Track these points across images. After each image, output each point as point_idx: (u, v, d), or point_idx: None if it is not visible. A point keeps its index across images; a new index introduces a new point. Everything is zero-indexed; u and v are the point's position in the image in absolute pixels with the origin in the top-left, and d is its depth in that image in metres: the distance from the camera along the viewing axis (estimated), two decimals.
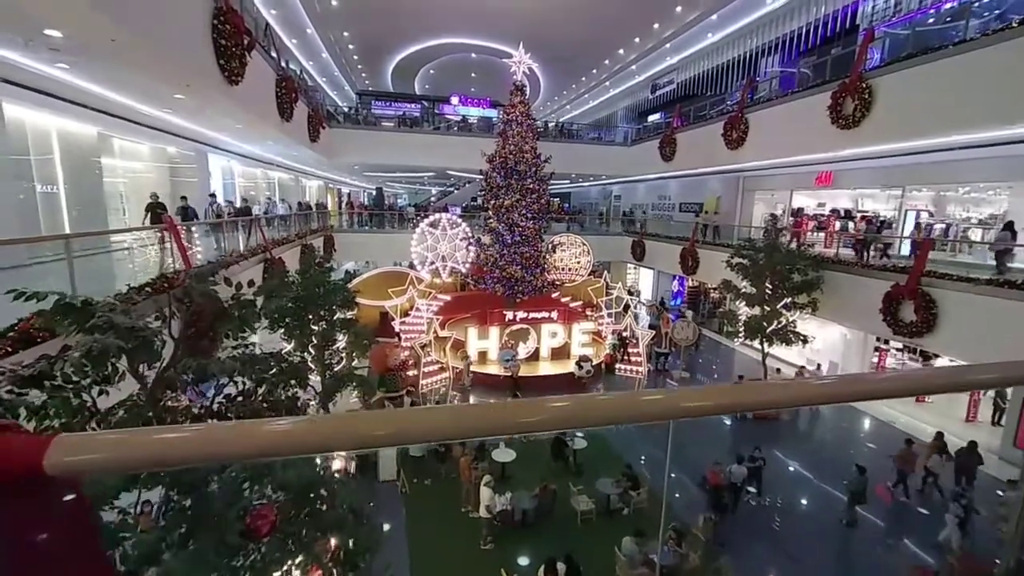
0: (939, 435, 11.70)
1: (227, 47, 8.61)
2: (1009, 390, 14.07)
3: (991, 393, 15.23)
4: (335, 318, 10.27)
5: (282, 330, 9.82)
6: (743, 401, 1.06)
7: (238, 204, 15.28)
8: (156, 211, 10.09)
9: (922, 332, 11.86)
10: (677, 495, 11.52)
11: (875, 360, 18.07)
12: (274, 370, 9.79)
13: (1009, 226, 11.74)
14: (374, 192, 34.43)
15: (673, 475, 12.33)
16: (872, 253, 14.52)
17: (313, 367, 10.03)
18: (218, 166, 18.42)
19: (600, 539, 9.10)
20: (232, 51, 8.76)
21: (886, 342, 17.71)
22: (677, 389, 1.16)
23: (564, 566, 7.50)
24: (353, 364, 10.88)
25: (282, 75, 13.18)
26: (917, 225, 15.53)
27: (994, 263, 11.64)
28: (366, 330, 11.23)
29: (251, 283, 4.29)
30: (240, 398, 3.77)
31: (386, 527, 9.74)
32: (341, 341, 10.59)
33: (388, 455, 11.18)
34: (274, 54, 13.43)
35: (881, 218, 17.79)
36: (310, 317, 9.75)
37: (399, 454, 11.46)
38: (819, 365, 18.38)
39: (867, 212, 19.24)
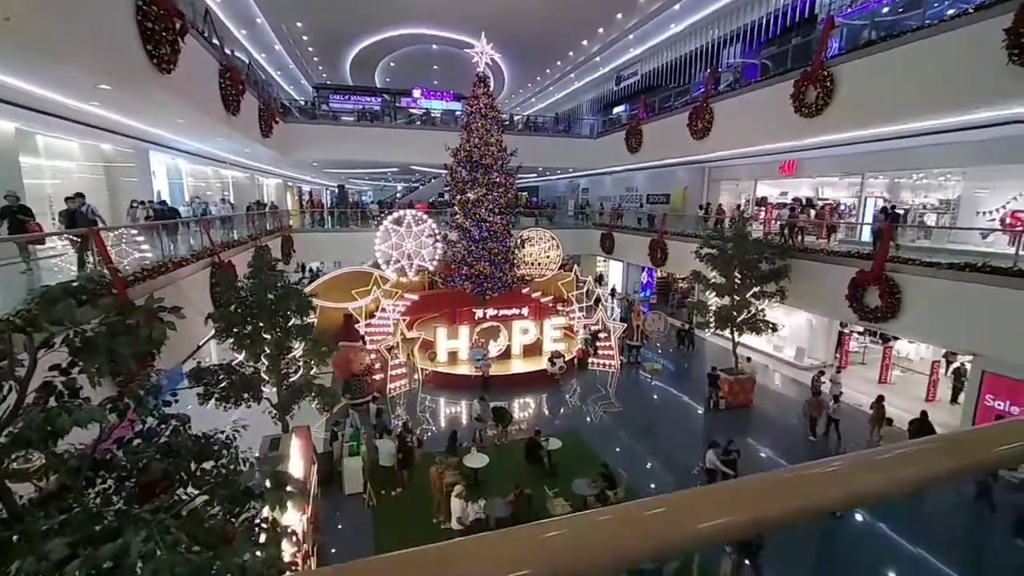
0: (880, 398, 13.20)
1: (155, 31, 7.81)
2: (968, 368, 14.51)
3: (948, 372, 15.73)
4: (290, 325, 9.58)
5: (230, 340, 9.10)
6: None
7: (185, 205, 14.18)
8: (15, 216, 7.29)
9: (887, 317, 12.00)
10: (654, 485, 11.36)
11: (842, 344, 18.46)
12: (223, 383, 9.19)
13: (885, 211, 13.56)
14: (336, 190, 33.31)
15: (649, 464, 12.20)
16: (834, 239, 14.70)
17: (267, 378, 9.34)
18: (162, 165, 17.23)
19: None
20: (161, 36, 7.96)
21: (848, 326, 18.11)
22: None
23: None
24: (312, 372, 10.21)
25: (226, 65, 12.28)
26: (884, 211, 15.80)
27: (953, 247, 11.90)
28: (325, 336, 10.56)
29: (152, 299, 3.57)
30: (139, 441, 3.13)
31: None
32: (298, 349, 9.91)
33: (353, 467, 10.59)
34: (216, 42, 12.48)
35: (833, 203, 18.15)
36: (261, 325, 9.04)
37: (367, 464, 10.89)
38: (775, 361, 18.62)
39: (828, 200, 19.61)
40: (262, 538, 2.65)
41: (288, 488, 2.66)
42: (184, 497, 2.54)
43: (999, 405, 12.38)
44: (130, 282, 7.17)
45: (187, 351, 10.00)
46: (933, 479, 0.90)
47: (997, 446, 0.98)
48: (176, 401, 3.31)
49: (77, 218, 7.35)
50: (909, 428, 11.96)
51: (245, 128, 14.64)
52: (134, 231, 9.31)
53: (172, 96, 9.30)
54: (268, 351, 9.24)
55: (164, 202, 11.62)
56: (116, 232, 8.09)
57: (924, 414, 12.00)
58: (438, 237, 18.85)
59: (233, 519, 2.65)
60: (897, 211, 14.80)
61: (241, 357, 9.47)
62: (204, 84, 11.24)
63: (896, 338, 17.37)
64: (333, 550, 9.10)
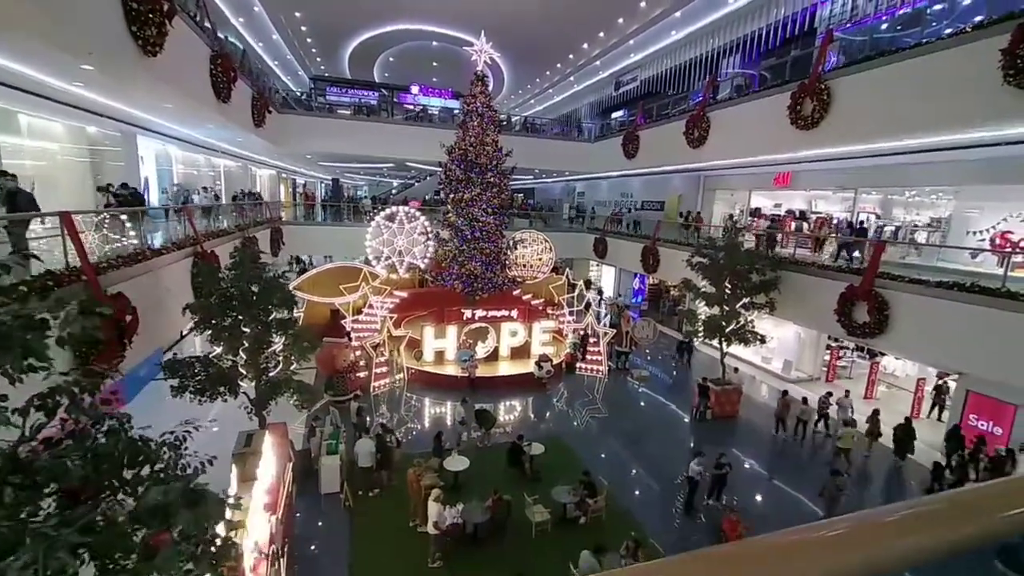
0: (876, 412, 13.48)
1: (140, 12, 7.59)
2: (952, 386, 14.55)
3: (929, 388, 15.75)
4: (271, 319, 9.37)
5: (208, 332, 8.89)
6: None
7: (164, 192, 13.68)
8: None
9: (874, 333, 11.98)
10: (637, 492, 11.25)
11: (827, 358, 18.48)
12: (200, 375, 8.98)
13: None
14: (331, 183, 33.01)
15: (633, 472, 12.09)
16: (839, 256, 14.61)
17: (244, 372, 9.13)
18: (151, 150, 16.91)
19: (555, 552, 8.67)
20: (147, 17, 7.74)
21: (836, 340, 18.13)
22: None
23: None
24: (292, 368, 10.00)
25: (218, 51, 12.04)
26: (850, 225, 16.12)
27: (944, 266, 11.91)
28: (310, 331, 10.35)
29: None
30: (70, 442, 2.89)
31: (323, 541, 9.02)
32: (278, 343, 9.70)
33: (331, 465, 10.38)
34: (209, 27, 12.23)
35: (838, 220, 18.18)
36: (240, 318, 8.83)
37: (344, 463, 10.68)
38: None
39: (821, 213, 19.66)
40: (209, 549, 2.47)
41: (220, 501, 2.43)
42: (120, 505, 2.36)
43: (982, 425, 12.40)
44: (102, 269, 6.94)
45: (163, 341, 9.76)
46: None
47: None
48: (118, 401, 3.08)
49: (18, 200, 6.89)
50: (894, 433, 12.64)
51: (237, 117, 14.40)
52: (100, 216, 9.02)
53: (158, 80, 9.07)
54: (247, 344, 9.03)
55: (125, 185, 10.96)
56: (81, 217, 7.79)
57: (908, 420, 12.95)
58: (430, 235, 18.67)
59: (169, 529, 2.47)
60: (864, 226, 15.55)
61: (219, 350, 9.26)
62: (193, 70, 11.00)
63: (883, 354, 17.42)
64: (312, 547, 8.89)
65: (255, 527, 6.02)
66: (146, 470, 2.57)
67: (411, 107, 30.24)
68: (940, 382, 15.33)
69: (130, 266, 7.62)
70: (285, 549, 8.14)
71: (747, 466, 12.51)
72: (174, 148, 18.73)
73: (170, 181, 17.78)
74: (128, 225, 8.89)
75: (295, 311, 18.53)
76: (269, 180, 33.53)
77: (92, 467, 2.25)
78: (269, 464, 7.51)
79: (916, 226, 17.48)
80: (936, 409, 15.28)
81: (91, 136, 14.04)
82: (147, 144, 16.19)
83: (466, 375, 15.98)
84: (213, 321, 8.77)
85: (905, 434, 12.41)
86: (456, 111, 23.91)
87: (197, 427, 3.26)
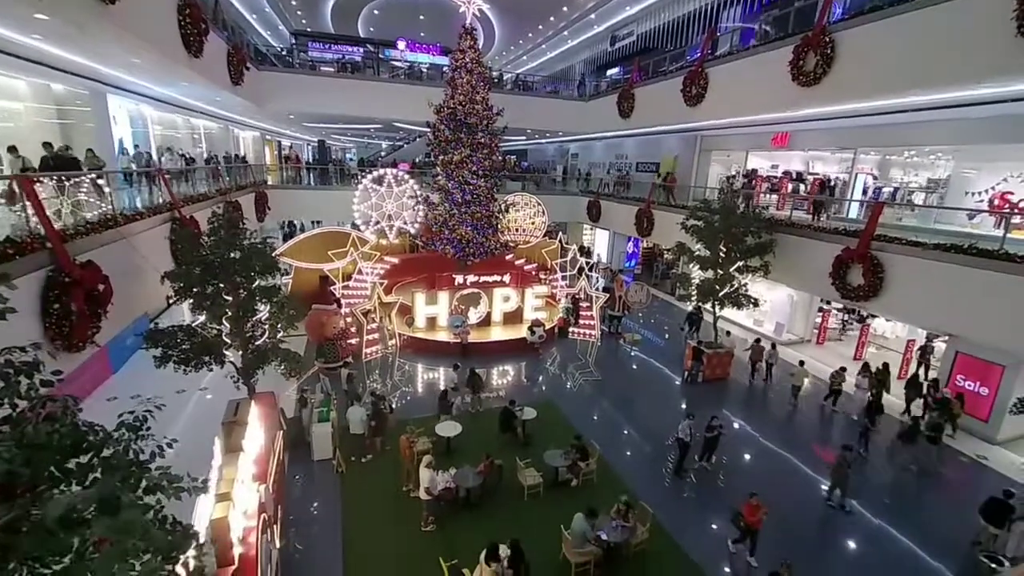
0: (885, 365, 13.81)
1: None
2: (940, 349, 14.65)
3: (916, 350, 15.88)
4: (254, 286, 9.09)
5: (190, 301, 8.61)
6: None
7: (126, 154, 12.68)
8: None
9: (868, 296, 11.92)
10: (629, 454, 11.37)
11: (819, 320, 18.55)
12: (184, 345, 8.75)
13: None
14: (316, 145, 31.99)
15: (625, 433, 12.19)
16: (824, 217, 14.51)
17: (229, 341, 8.92)
18: (123, 110, 16.09)
19: (548, 514, 8.77)
20: None
21: (828, 303, 18.16)
22: None
23: (508, 552, 7.06)
24: (280, 336, 9.79)
25: (186, 1, 11.22)
26: (822, 184, 16.33)
27: (940, 227, 11.75)
28: (299, 298, 10.08)
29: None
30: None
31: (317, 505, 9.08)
32: (263, 312, 9.45)
33: (323, 433, 10.35)
34: None
35: (832, 181, 17.87)
36: (221, 286, 8.54)
37: (336, 430, 10.67)
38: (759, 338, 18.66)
39: (818, 174, 19.31)
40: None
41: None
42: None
43: (969, 385, 12.53)
44: (70, 236, 6.59)
45: (144, 310, 9.49)
46: None
47: None
48: (61, 381, 2.85)
49: None
50: (876, 375, 13.48)
51: (211, 74, 13.63)
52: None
53: (120, 30, 8.43)
54: (230, 313, 8.78)
55: (49, 145, 9.79)
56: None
57: (886, 365, 13.71)
58: (420, 199, 18.19)
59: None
60: (832, 184, 16.66)
61: (203, 319, 9.01)
62: (159, 19, 10.26)
63: (874, 316, 17.49)
64: (305, 514, 8.93)
65: (242, 497, 5.95)
66: (106, 456, 2.38)
67: (398, 63, 28.95)
68: (926, 343, 15.45)
69: (100, 233, 7.26)
70: (278, 516, 8.16)
71: (736, 426, 12.65)
72: (149, 108, 17.86)
73: (146, 143, 17.01)
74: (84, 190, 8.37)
75: (282, 278, 18.24)
76: (253, 142, 32.41)
77: (23, 458, 2.04)
78: (256, 434, 7.41)
79: (915, 187, 17.24)
80: (922, 369, 15.45)
81: (58, 95, 13.27)
82: (119, 104, 15.38)
83: (458, 341, 15.90)
84: (194, 289, 8.47)
85: (883, 377, 13.40)
86: (445, 68, 22.92)
87: (159, 406, 3.05)
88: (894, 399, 13.52)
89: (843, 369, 13.60)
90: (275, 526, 7.77)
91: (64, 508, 1.76)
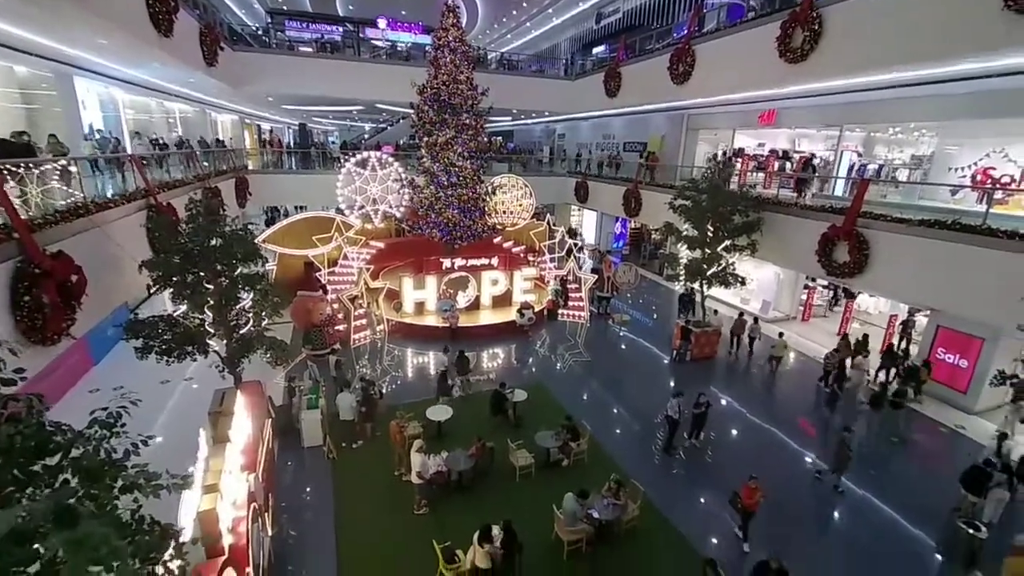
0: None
1: None
2: (921, 323, 14.93)
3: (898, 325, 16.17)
4: (236, 273, 8.88)
5: (170, 290, 8.39)
6: None
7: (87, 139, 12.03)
8: None
9: (854, 272, 12.04)
10: (619, 432, 11.47)
11: (804, 297, 18.77)
12: (166, 335, 8.56)
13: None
14: (297, 129, 31.24)
15: (615, 412, 12.30)
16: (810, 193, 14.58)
17: (212, 330, 8.74)
18: (93, 94, 15.48)
19: (539, 494, 8.84)
20: None
21: (813, 280, 18.36)
22: None
23: (500, 532, 7.11)
24: (265, 324, 9.63)
25: None
26: (807, 163, 16.60)
27: (924, 203, 11.84)
28: (284, 285, 9.89)
29: None
30: None
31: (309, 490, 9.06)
32: (246, 300, 9.26)
33: (312, 419, 10.28)
34: None
35: (817, 159, 17.89)
36: (202, 274, 8.32)
37: (326, 417, 10.60)
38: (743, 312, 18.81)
39: (804, 152, 19.32)
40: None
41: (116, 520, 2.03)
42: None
43: (949, 358, 12.81)
44: (38, 226, 6.34)
45: (123, 300, 9.25)
46: None
47: None
48: (24, 380, 2.72)
49: None
50: (854, 346, 14.06)
51: (183, 54, 13.13)
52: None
53: (83, 9, 8.03)
54: (212, 302, 8.58)
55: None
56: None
57: (865, 336, 14.57)
58: (405, 182, 17.89)
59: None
60: (814, 162, 16.69)
61: (183, 308, 8.80)
62: None
63: (858, 293, 17.73)
64: (296, 500, 8.90)
65: (230, 488, 5.88)
66: (76, 456, 2.26)
67: (379, 42, 28.20)
68: (908, 317, 15.73)
69: (70, 221, 6.99)
70: (269, 504, 8.12)
71: (724, 403, 12.82)
72: (120, 91, 17.20)
73: (118, 128, 16.42)
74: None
75: (265, 265, 17.94)
76: (232, 126, 31.51)
77: None
78: (243, 424, 7.31)
79: (900, 164, 17.33)
80: (904, 343, 15.75)
81: (22, 78, 12.70)
82: (88, 87, 14.77)
83: (447, 325, 15.82)
84: (174, 278, 8.25)
85: (860, 347, 14.11)
86: (427, 47, 22.38)
87: (134, 402, 2.93)
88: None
89: (836, 351, 13.49)
90: (266, 514, 7.73)
91: (8, 524, 1.65)
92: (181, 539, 2.68)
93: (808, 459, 10.73)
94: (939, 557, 8.24)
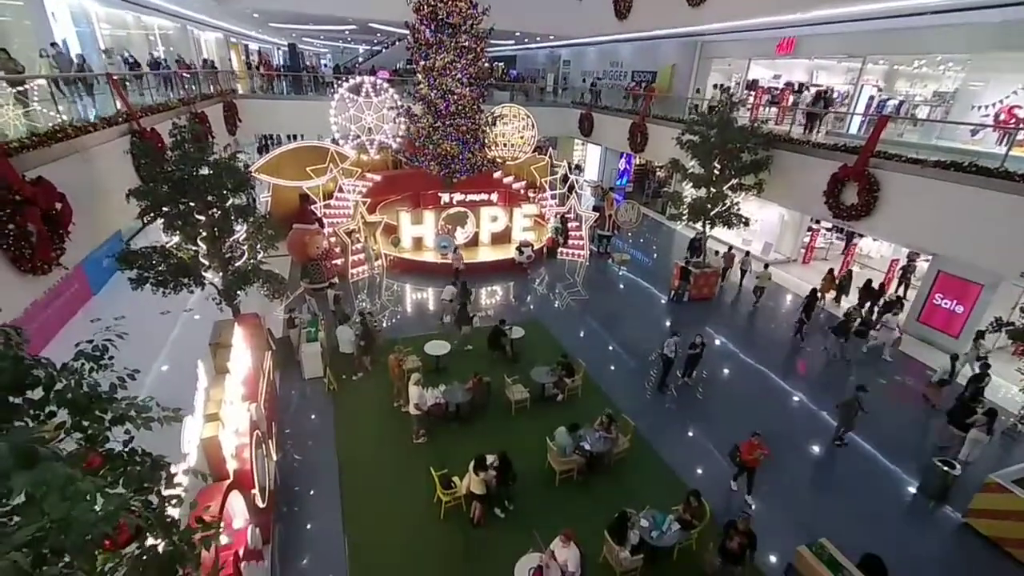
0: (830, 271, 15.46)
1: None
2: (922, 268, 14.86)
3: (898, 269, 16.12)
4: (228, 204, 8.63)
5: (161, 221, 8.19)
6: None
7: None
8: None
9: (860, 215, 11.79)
10: (613, 369, 11.71)
11: (807, 240, 18.57)
12: (160, 267, 8.46)
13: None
14: (287, 50, 29.42)
15: (612, 349, 12.49)
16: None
17: (207, 262, 8.63)
18: (65, 6, 14.37)
19: (534, 426, 9.12)
20: None
21: (818, 223, 18.07)
22: None
23: (495, 461, 7.39)
24: (261, 257, 9.50)
25: None
26: (819, 95, 15.77)
27: (942, 143, 11.38)
28: (270, 220, 9.65)
29: None
30: None
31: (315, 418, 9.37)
32: (240, 232, 9.08)
33: (312, 352, 10.42)
34: None
35: (833, 93, 17.00)
36: (192, 204, 8.08)
37: (326, 350, 10.76)
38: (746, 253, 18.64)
39: (821, 86, 18.33)
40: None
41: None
42: None
43: (945, 304, 12.85)
44: (14, 150, 6.03)
45: (111, 231, 9.05)
46: None
47: None
48: None
49: None
50: (836, 282, 15.13)
51: None
52: None
53: None
54: (204, 233, 8.40)
55: None
56: None
57: (850, 272, 15.63)
58: (401, 110, 17.07)
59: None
60: (831, 96, 15.86)
61: (176, 239, 8.64)
62: None
63: (861, 236, 17.51)
64: (299, 429, 9.22)
65: (232, 417, 6.02)
66: (59, 389, 2.22)
67: None
68: (908, 262, 15.65)
69: (48, 146, 6.65)
70: (273, 432, 8.40)
71: (718, 343, 13.01)
72: (96, 4, 16.00)
73: (93, 44, 15.41)
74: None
75: (261, 196, 17.50)
76: (217, 46, 29.68)
77: None
78: (242, 355, 7.39)
79: (918, 103, 16.50)
80: (902, 287, 15.78)
81: None
82: (56, 1, 13.68)
83: (447, 261, 15.70)
84: (163, 208, 8.02)
85: (843, 283, 15.21)
86: None
87: (121, 335, 2.87)
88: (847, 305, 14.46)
89: (859, 307, 13.52)
90: (270, 441, 8.01)
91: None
92: (173, 469, 2.72)
93: (796, 399, 11.03)
94: (912, 490, 8.66)
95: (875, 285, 14.52)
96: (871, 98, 16.64)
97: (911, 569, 6.86)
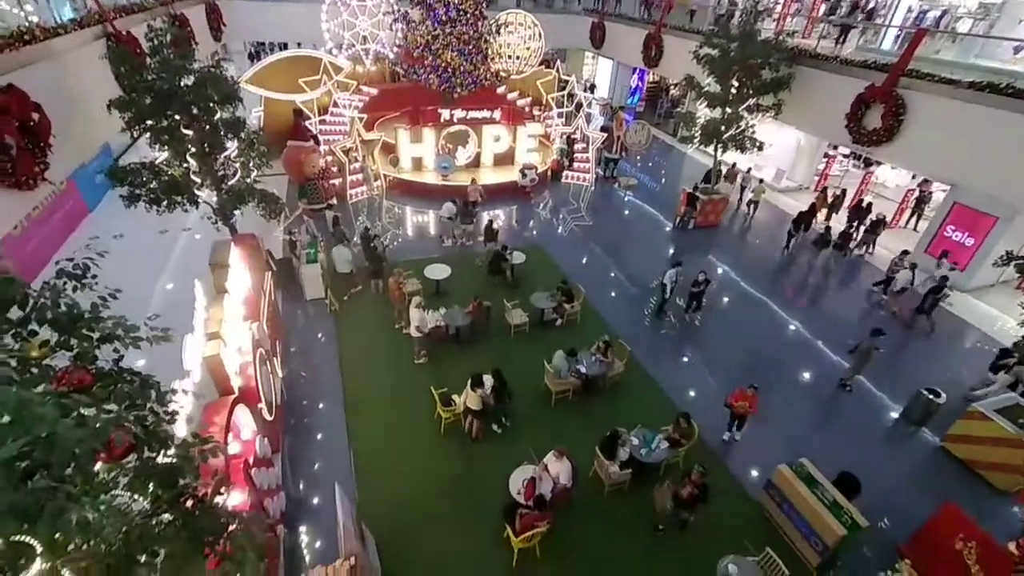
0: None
1: None
2: (937, 198, 14.40)
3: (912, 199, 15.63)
4: (216, 118, 8.21)
5: (147, 135, 7.83)
6: None
7: None
8: None
9: (881, 141, 11.24)
10: (613, 295, 11.77)
11: (821, 167, 17.88)
12: (151, 184, 8.22)
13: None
14: None
15: (613, 275, 12.50)
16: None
17: (199, 180, 8.38)
18: None
19: (532, 349, 9.32)
20: None
21: (835, 148, 17.30)
22: None
23: (491, 379, 7.61)
24: (256, 176, 9.20)
25: None
26: (920, 14, 14.14)
27: (980, 62, 10.52)
28: (262, 136, 9.22)
29: None
30: None
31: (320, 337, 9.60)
32: (232, 148, 8.71)
33: (312, 273, 10.44)
34: None
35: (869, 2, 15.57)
36: (178, 117, 7.68)
37: (327, 271, 10.77)
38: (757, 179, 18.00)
39: None
40: None
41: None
42: None
43: (956, 236, 12.57)
44: None
45: (98, 144, 8.71)
46: None
47: None
48: None
49: None
50: (828, 202, 15.39)
51: None
52: None
53: None
54: (193, 149, 8.07)
55: None
56: None
57: (844, 191, 15.77)
58: (397, 15, 15.78)
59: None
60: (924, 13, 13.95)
61: (165, 155, 8.33)
62: None
63: (880, 163, 16.82)
64: (303, 347, 9.46)
65: (233, 335, 6.12)
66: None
67: None
68: (922, 192, 15.13)
69: (16, 48, 6.19)
70: (277, 350, 8.60)
71: (720, 271, 12.94)
72: None
73: None
74: None
75: (253, 110, 16.71)
76: None
77: None
78: (241, 275, 7.37)
79: (961, 15, 15.12)
80: (915, 218, 15.40)
81: None
82: None
83: (449, 183, 15.25)
84: (148, 121, 7.63)
85: (835, 202, 15.42)
86: None
87: (102, 253, 2.78)
88: (838, 226, 14.48)
89: (905, 252, 12.38)
90: (275, 359, 8.23)
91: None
92: (174, 386, 2.76)
93: (793, 324, 11.14)
94: (894, 416, 8.97)
95: (885, 222, 14.17)
96: (909, 9, 15.25)
97: (885, 486, 7.28)
